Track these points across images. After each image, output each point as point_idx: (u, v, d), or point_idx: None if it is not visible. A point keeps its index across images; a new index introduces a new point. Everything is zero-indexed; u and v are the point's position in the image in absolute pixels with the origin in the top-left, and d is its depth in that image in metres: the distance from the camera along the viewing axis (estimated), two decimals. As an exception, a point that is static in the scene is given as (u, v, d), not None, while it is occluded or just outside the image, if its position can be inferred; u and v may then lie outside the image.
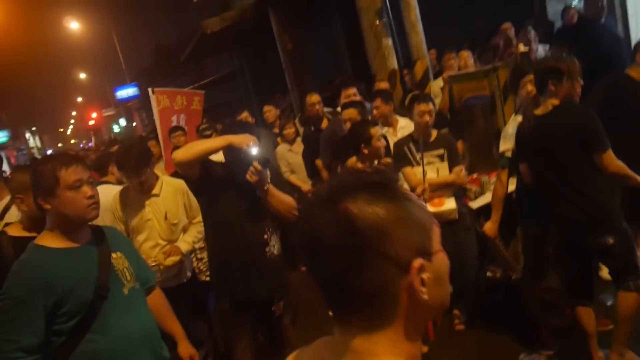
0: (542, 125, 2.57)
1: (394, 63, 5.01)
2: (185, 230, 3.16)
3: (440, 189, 3.24)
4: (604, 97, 3.28)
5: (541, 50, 5.30)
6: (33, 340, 1.69)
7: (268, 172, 2.46)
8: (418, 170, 3.29)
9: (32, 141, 42.34)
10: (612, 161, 2.46)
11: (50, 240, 1.84)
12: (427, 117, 3.30)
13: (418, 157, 3.35)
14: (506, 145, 2.98)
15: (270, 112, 5.91)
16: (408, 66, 5.37)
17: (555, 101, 2.55)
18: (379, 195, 0.77)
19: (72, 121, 59.91)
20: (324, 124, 4.71)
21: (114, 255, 1.94)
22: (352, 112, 3.41)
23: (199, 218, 3.05)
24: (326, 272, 0.76)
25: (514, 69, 3.24)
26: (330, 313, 0.82)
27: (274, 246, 2.63)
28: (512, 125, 3.01)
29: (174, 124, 6.20)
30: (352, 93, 4.10)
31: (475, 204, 3.55)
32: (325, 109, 5.36)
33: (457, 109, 4.42)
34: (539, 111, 2.62)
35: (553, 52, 4.45)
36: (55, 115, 55.17)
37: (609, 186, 2.58)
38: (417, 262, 0.75)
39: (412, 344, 0.79)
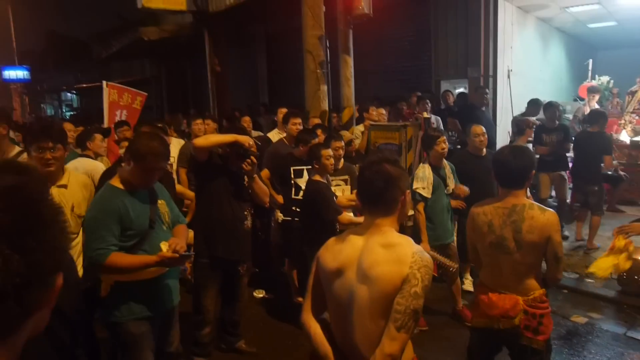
0: None
1: (326, 105, 6.19)
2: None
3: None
4: None
5: (433, 119, 6.90)
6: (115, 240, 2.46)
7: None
8: None
9: None
10: None
11: (119, 184, 2.60)
12: (341, 151, 4.47)
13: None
14: (418, 184, 4.21)
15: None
16: (336, 110, 6.61)
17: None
18: (395, 163, 1.86)
19: None
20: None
21: (159, 201, 2.73)
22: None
23: None
24: (373, 191, 1.81)
25: (427, 134, 4.50)
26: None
27: (249, 221, 3.53)
28: (421, 170, 4.27)
29: (117, 118, 6.72)
30: (298, 122, 5.14)
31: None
32: (254, 132, 6.46)
33: (371, 151, 5.68)
34: None
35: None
36: None
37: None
38: (408, 191, 1.86)
39: (397, 226, 1.86)
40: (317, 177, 3.96)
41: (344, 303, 1.80)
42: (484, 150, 4.87)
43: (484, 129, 4.89)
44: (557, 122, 6.34)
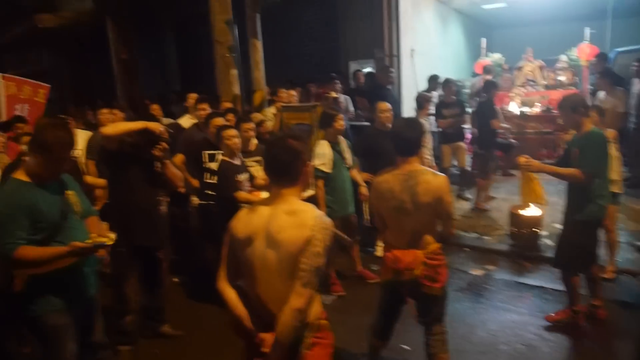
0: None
1: (237, 89, 6.25)
2: None
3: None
4: None
5: (342, 98, 7.19)
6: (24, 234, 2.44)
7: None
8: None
9: None
10: None
11: (25, 177, 2.57)
12: (251, 132, 4.61)
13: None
14: (318, 161, 4.42)
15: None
16: (248, 94, 6.69)
17: None
18: (298, 138, 2.07)
19: None
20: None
21: (69, 192, 2.73)
22: (219, 120, 4.53)
23: None
24: (279, 163, 2.01)
25: (325, 112, 4.75)
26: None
27: (164, 207, 3.59)
28: (320, 147, 4.48)
29: (19, 112, 6.34)
30: (204, 107, 5.19)
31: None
32: (165, 120, 6.46)
33: (284, 132, 5.86)
34: None
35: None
36: None
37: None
38: (310, 163, 2.06)
39: (300, 194, 2.07)
40: (225, 158, 4.10)
41: (256, 268, 1.99)
42: (389, 125, 5.21)
43: (389, 106, 5.22)
44: (454, 97, 6.88)
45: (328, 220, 1.97)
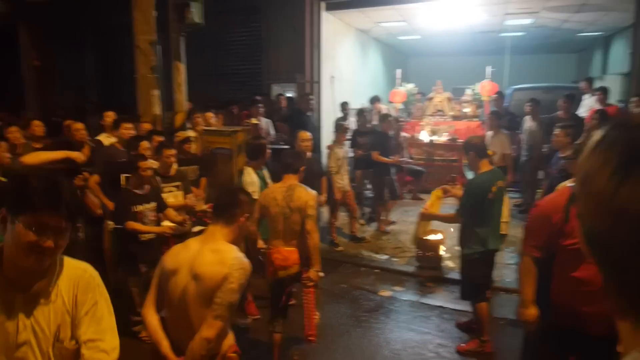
0: None
1: (158, 110, 6.25)
2: None
3: (179, 209, 4.58)
4: None
5: (264, 122, 7.39)
6: None
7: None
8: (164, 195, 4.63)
9: None
10: None
11: None
12: (172, 159, 4.67)
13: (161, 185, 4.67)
14: (250, 189, 4.57)
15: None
16: (169, 115, 6.69)
17: None
18: (247, 195, 2.34)
19: None
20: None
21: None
22: (145, 144, 4.57)
23: None
24: (222, 203, 2.28)
25: (251, 144, 4.97)
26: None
27: (82, 233, 3.61)
28: (248, 176, 4.64)
29: None
30: (129, 127, 5.21)
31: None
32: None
33: (205, 155, 5.96)
34: None
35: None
36: None
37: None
38: (245, 215, 2.30)
39: (231, 240, 2.28)
40: (128, 186, 4.22)
41: (177, 297, 2.18)
42: (309, 154, 5.51)
43: (310, 135, 5.54)
44: (368, 126, 7.34)
45: (246, 262, 2.20)
